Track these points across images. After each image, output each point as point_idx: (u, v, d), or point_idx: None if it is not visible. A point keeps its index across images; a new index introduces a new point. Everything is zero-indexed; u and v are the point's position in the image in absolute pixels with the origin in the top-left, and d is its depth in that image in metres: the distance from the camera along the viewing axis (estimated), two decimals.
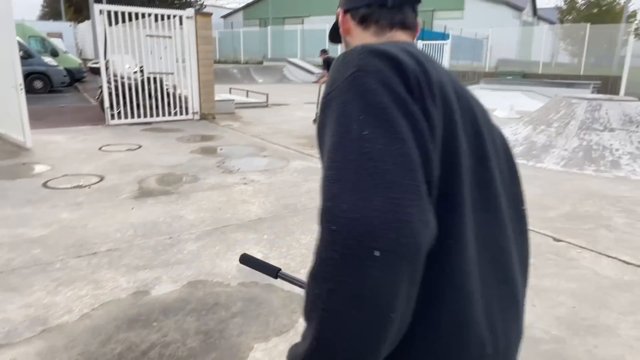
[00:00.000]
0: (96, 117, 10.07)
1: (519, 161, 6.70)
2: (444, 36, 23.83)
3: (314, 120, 10.21)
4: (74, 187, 5.09)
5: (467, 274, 0.71)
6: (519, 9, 35.28)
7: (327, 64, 9.98)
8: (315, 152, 7.12)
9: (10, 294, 2.80)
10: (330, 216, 0.59)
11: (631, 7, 27.72)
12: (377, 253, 0.56)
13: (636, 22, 29.94)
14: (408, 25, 0.91)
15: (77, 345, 2.34)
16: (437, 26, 30.05)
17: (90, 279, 3.01)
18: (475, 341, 0.72)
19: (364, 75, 0.67)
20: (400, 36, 0.91)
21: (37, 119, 9.42)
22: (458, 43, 24.27)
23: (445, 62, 21.95)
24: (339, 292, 0.58)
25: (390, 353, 0.64)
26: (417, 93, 0.68)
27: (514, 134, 7.68)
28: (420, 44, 22.41)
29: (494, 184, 0.81)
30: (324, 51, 10.23)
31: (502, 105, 12.60)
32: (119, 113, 9.33)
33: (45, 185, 5.13)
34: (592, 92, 14.96)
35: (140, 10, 9.23)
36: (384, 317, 0.58)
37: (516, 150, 7.08)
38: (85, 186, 5.12)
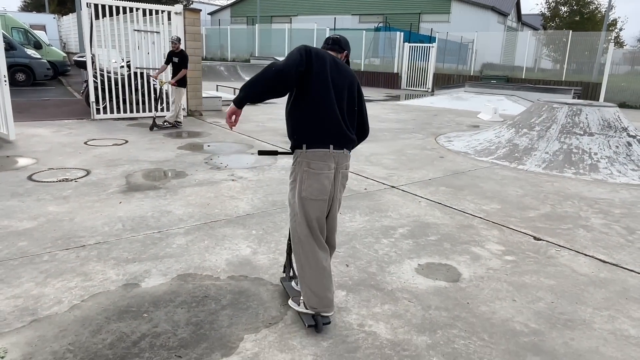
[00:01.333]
0: (81, 111, 9.96)
1: (502, 163, 6.85)
2: (430, 39, 24.09)
3: (151, 127, 8.37)
4: (60, 180, 5.06)
5: (328, 100, 2.37)
6: (504, 14, 35.85)
7: (181, 57, 8.31)
8: None
9: None
10: (273, 64, 2.27)
11: (612, 16, 28.38)
12: (273, 69, 2.24)
13: (616, 30, 30.68)
14: (334, 50, 2.56)
15: (68, 335, 2.35)
16: (424, 29, 30.37)
17: (79, 271, 3.02)
18: (329, 119, 2.40)
19: (298, 49, 2.34)
20: (331, 52, 2.54)
21: (20, 112, 9.28)
22: (444, 46, 24.56)
23: (432, 64, 22.24)
24: (260, 75, 2.27)
25: (304, 125, 2.42)
26: (308, 57, 2.32)
27: (498, 137, 7.85)
28: (406, 46, 22.66)
29: (342, 90, 2.43)
30: (179, 40, 8.38)
31: (486, 109, 12.82)
32: (104, 107, 9.25)
33: (30, 178, 5.08)
34: (573, 98, 15.30)
35: (128, 4, 9.15)
36: (268, 85, 2.26)
37: (499, 153, 7.25)
38: (72, 180, 5.09)
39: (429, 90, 21.96)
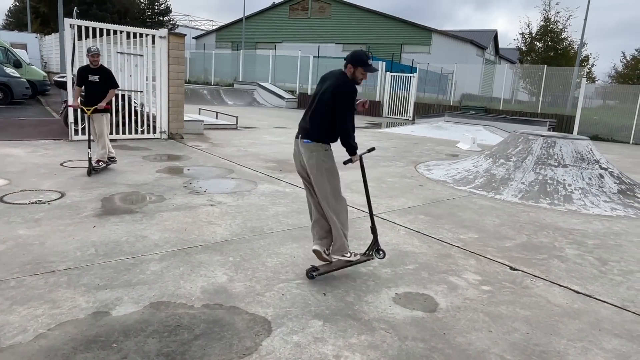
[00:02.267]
0: (59, 131, 9.81)
1: (480, 193, 6.96)
2: (411, 69, 24.68)
3: (89, 172, 6.29)
4: (33, 202, 4.93)
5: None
6: (482, 47, 37.09)
7: (104, 75, 6.59)
8: (282, 176, 7.17)
9: None
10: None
11: (584, 53, 29.60)
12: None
13: (588, 66, 31.96)
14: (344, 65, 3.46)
15: None
16: (405, 59, 31.14)
17: (47, 298, 2.92)
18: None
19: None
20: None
21: None
22: (425, 76, 25.18)
23: (413, 93, 22.73)
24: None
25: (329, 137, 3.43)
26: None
27: (476, 166, 8.00)
28: (388, 75, 23.15)
29: (314, 96, 3.47)
30: (99, 52, 6.56)
31: (465, 138, 13.09)
32: (83, 128, 9.13)
33: (1, 200, 4.94)
34: (548, 130, 15.76)
35: (113, 27, 9.18)
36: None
37: (477, 182, 7.37)
38: (45, 202, 4.97)
39: (410, 118, 22.36)
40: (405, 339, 2.75)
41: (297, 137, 3.48)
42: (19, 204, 4.86)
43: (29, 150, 7.71)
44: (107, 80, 6.64)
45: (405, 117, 22.83)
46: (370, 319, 2.96)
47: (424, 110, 22.64)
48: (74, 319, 2.70)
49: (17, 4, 42.91)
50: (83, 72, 6.56)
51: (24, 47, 23.79)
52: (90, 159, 6.49)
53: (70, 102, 6.51)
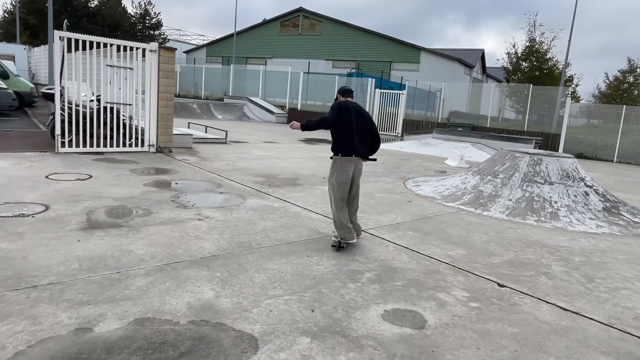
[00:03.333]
0: (45, 143, 9.69)
1: (468, 209, 7.00)
2: (400, 86, 24.98)
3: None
4: (16, 215, 4.84)
5: (352, 134, 4.56)
6: (469, 66, 37.75)
7: None
8: (271, 190, 7.15)
9: None
10: (325, 117, 4.55)
11: (568, 73, 30.27)
12: (325, 121, 4.54)
13: (573, 85, 32.66)
14: (350, 97, 4.84)
15: None
16: (395, 77, 31.55)
17: (27, 314, 2.84)
18: (353, 147, 4.59)
19: (335, 105, 4.63)
20: (347, 98, 4.83)
21: None
22: (413, 94, 25.50)
23: (401, 110, 22.98)
24: (317, 119, 4.53)
25: (336, 149, 4.65)
26: (344, 109, 4.57)
27: (464, 183, 8.06)
28: (377, 92, 23.40)
29: (363, 123, 4.68)
30: None
31: (453, 155, 13.22)
32: (70, 141, 9.04)
33: None
34: (534, 147, 15.98)
35: (103, 40, 9.16)
36: (320, 126, 4.54)
37: (465, 198, 7.42)
38: (28, 215, 4.88)
39: (399, 135, 22.55)
40: (393, 357, 2.72)
41: (358, 156, 4.64)
42: (2, 216, 4.76)
43: (13, 162, 7.60)
44: None
45: (394, 134, 23.01)
46: (358, 336, 2.93)
47: (413, 127, 22.85)
48: (55, 336, 2.63)
49: (7, 15, 42.74)
50: None
51: (12, 58, 23.58)
52: None
53: None
